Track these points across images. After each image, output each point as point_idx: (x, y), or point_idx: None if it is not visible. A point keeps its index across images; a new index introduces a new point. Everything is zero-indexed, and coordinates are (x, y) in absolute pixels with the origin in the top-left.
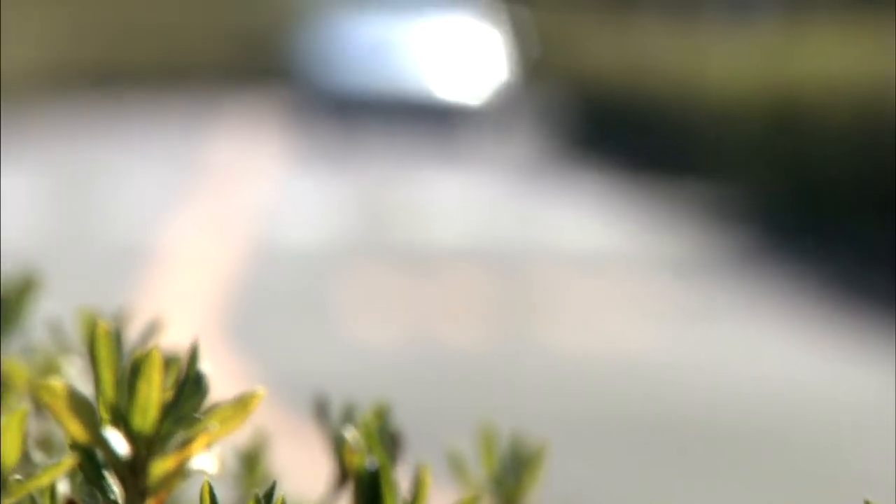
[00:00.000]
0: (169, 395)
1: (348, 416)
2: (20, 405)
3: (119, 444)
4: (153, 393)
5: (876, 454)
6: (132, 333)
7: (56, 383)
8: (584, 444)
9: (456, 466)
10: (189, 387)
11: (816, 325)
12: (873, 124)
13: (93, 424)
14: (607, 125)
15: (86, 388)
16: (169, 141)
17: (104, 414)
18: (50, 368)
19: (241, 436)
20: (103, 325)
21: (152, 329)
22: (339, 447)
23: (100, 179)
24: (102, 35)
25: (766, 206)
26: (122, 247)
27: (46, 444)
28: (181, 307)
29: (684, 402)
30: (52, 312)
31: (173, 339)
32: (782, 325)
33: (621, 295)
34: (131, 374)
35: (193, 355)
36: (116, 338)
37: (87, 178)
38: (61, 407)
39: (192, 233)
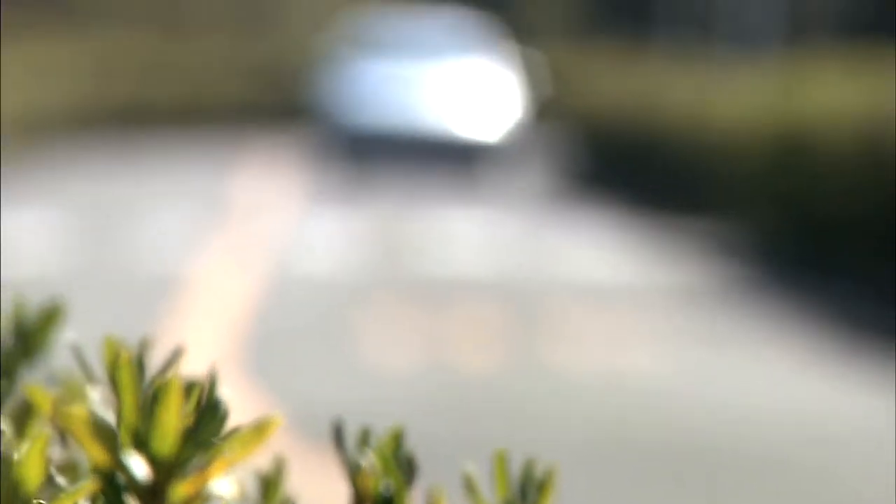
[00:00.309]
0: (188, 421)
1: (364, 442)
2: (43, 431)
3: (139, 468)
4: (173, 419)
5: (875, 480)
6: (154, 361)
7: (78, 409)
8: (595, 469)
9: (469, 491)
10: (208, 413)
11: (818, 354)
12: (877, 159)
13: (114, 449)
14: (617, 161)
15: (108, 415)
16: (191, 176)
17: (125, 439)
18: (73, 395)
19: (259, 461)
20: (125, 353)
21: (174, 357)
22: (355, 472)
23: (125, 214)
24: (127, 74)
25: (771, 240)
26: (147, 278)
27: (69, 469)
28: (203, 335)
29: (691, 427)
30: (77, 340)
31: (194, 367)
32: (785, 355)
33: (631, 325)
34: (152, 401)
35: (212, 382)
36: (138, 365)
37: (112, 212)
38: (83, 432)
39: (215, 265)
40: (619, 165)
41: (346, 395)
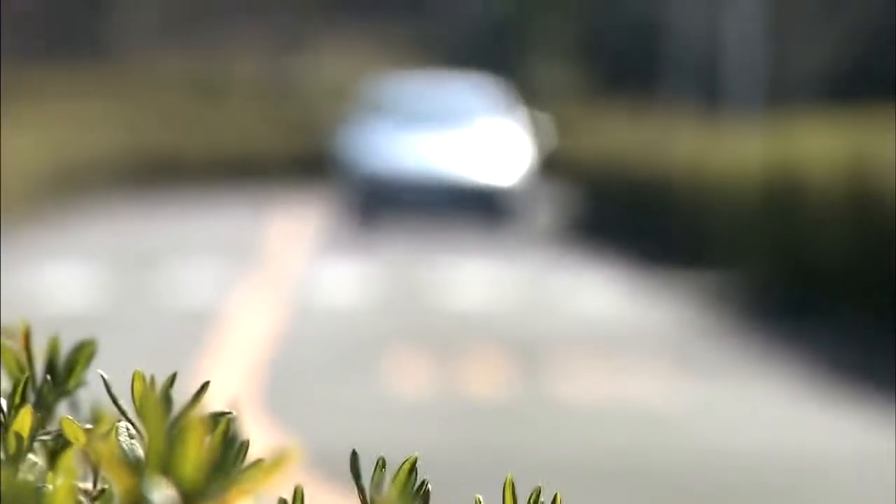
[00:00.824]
0: (212, 452)
1: (380, 471)
2: (73, 465)
3: (165, 499)
4: (197, 451)
5: None
6: (181, 395)
7: (108, 442)
8: (597, 494)
9: None
10: (230, 445)
11: (809, 391)
12: (862, 208)
13: (141, 480)
14: (617, 210)
15: (136, 447)
16: (224, 224)
17: (152, 470)
18: (104, 428)
19: (279, 491)
20: (153, 389)
21: (199, 392)
22: (371, 500)
23: (162, 258)
24: (167, 131)
25: (762, 286)
26: (180, 316)
27: (102, 499)
28: (230, 368)
29: (686, 457)
30: (108, 375)
31: (220, 400)
32: (777, 392)
33: (630, 361)
34: (177, 434)
35: (234, 416)
36: (165, 400)
37: (149, 256)
38: (113, 464)
39: (242, 304)
40: (619, 214)
41: (363, 425)
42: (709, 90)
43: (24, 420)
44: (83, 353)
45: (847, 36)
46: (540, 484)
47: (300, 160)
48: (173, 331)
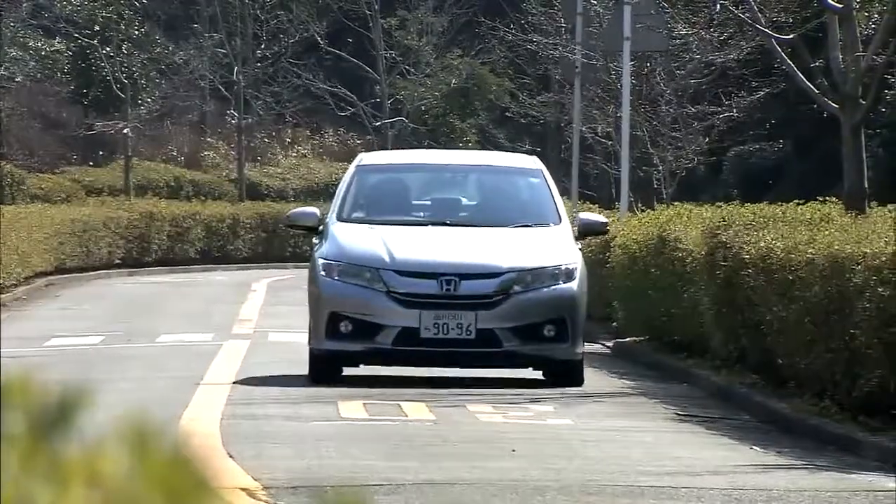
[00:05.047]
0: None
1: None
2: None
3: None
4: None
5: None
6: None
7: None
8: None
9: None
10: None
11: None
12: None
13: None
14: None
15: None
16: (213, 306)
17: None
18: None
19: None
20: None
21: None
22: None
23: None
24: (161, 230)
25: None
26: (175, 356)
27: None
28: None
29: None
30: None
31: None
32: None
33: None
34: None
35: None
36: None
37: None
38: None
39: (230, 348)
40: None
41: None
42: None
43: None
44: (81, 394)
45: None
46: None
47: (273, 251)
48: (169, 365)
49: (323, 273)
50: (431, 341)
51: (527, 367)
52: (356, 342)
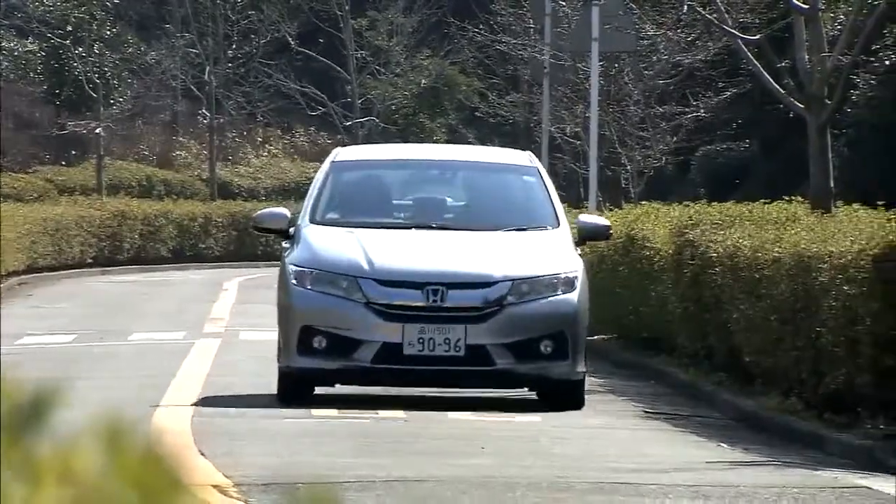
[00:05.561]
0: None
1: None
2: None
3: None
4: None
5: None
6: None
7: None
8: None
9: None
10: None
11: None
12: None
13: None
14: None
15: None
16: (187, 302)
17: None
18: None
19: None
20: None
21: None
22: None
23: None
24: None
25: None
26: (150, 348)
27: None
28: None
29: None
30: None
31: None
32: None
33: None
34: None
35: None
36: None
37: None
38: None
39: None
40: None
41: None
42: None
43: None
44: (54, 392)
45: None
46: None
47: (246, 251)
48: (146, 357)
49: (294, 282)
50: (416, 358)
51: (521, 387)
52: (331, 359)
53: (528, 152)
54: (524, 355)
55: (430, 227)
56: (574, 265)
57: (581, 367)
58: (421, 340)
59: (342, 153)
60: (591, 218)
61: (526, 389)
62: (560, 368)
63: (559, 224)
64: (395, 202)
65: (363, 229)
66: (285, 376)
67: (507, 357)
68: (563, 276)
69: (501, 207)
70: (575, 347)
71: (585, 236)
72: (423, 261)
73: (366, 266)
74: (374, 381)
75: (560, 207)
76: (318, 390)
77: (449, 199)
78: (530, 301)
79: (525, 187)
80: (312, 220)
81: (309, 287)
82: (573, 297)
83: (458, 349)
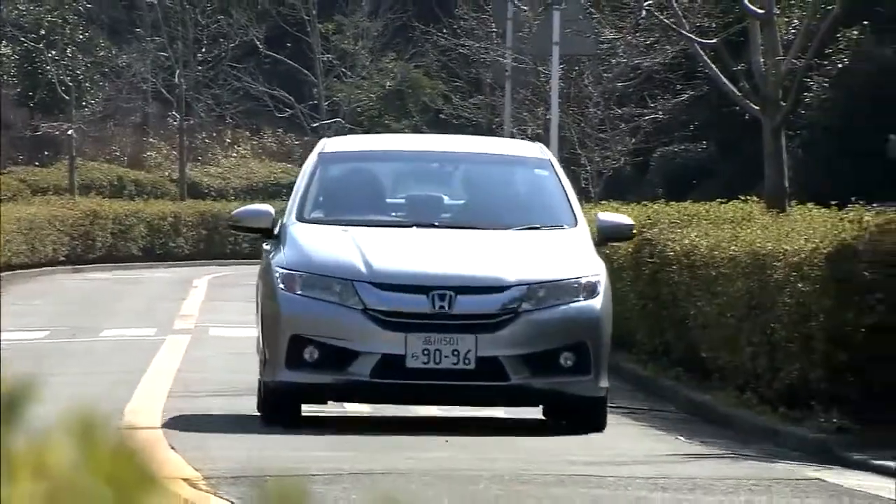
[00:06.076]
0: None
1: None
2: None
3: None
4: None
5: None
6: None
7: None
8: None
9: None
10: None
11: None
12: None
13: None
14: None
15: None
16: (157, 301)
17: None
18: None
19: None
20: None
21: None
22: None
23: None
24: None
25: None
26: (123, 344)
27: None
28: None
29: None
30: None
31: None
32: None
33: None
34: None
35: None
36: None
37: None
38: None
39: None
40: None
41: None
42: None
43: None
44: (28, 387)
45: None
46: None
47: (214, 249)
48: (120, 353)
49: (282, 286)
50: (420, 372)
51: (538, 404)
52: (324, 373)
53: (539, 143)
54: (541, 369)
55: (434, 226)
56: (596, 268)
57: (604, 383)
58: (426, 352)
59: (330, 144)
60: (611, 216)
61: (541, 407)
62: (582, 384)
63: (577, 223)
64: (393, 197)
65: (358, 227)
66: (271, 392)
67: (522, 371)
68: (584, 280)
69: (512, 204)
70: (598, 360)
71: (606, 236)
72: (428, 263)
73: (363, 268)
74: (373, 397)
75: (577, 204)
76: (307, 408)
77: (453, 195)
78: (548, 308)
79: (537, 182)
80: (300, 218)
81: (299, 292)
82: (596, 303)
83: (467, 362)
